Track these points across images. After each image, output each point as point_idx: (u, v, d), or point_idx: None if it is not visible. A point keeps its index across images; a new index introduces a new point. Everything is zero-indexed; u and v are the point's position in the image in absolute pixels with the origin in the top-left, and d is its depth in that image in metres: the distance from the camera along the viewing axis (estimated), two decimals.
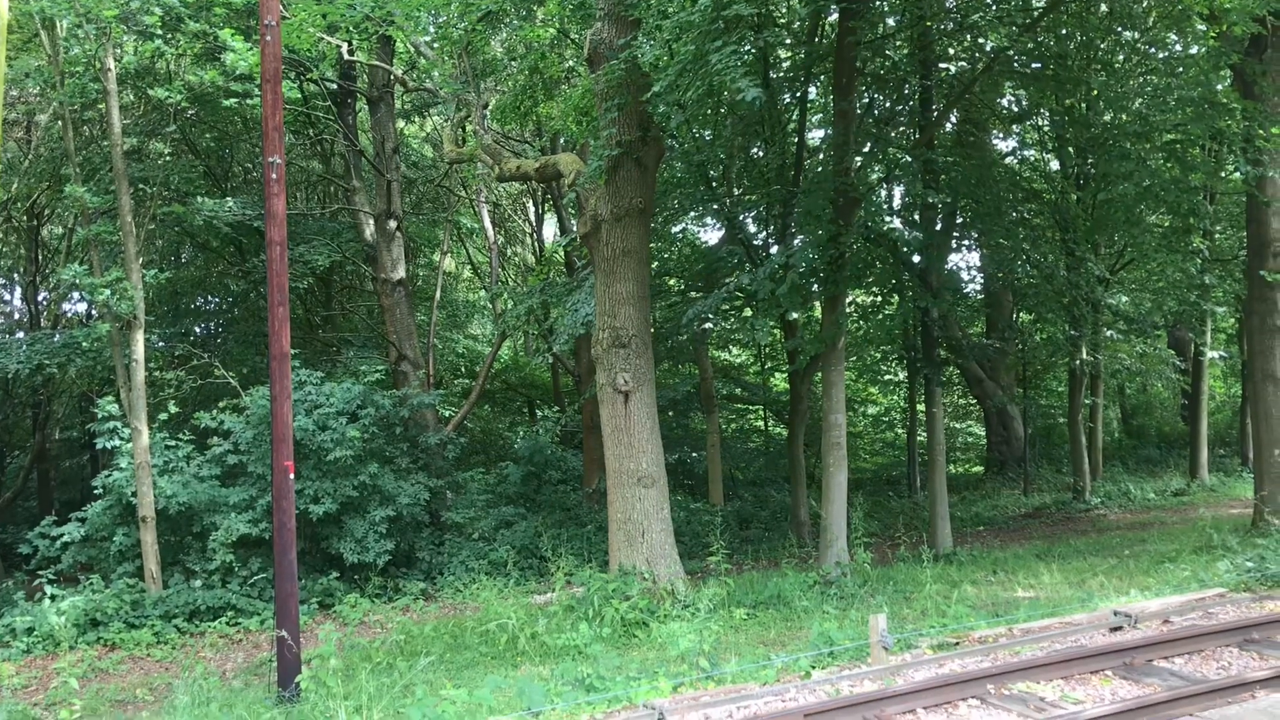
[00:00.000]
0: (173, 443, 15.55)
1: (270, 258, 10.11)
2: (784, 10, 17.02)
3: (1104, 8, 16.71)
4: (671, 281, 21.77)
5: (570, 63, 18.01)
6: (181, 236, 21.90)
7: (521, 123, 19.41)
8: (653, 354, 13.68)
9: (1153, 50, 17.67)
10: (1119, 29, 18.28)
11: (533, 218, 29.17)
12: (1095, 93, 18.15)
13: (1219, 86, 14.95)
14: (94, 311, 20.49)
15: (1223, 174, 18.63)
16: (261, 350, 20.97)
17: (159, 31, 14.79)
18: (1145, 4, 16.40)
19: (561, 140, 20.95)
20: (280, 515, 9.88)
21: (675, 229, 21.54)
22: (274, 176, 10.16)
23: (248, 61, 14.58)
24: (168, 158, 18.72)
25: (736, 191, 19.80)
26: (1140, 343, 25.49)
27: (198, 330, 24.01)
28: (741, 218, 19.52)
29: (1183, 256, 19.59)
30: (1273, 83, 14.86)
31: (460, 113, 18.33)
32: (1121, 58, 18.69)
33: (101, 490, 14.73)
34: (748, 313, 20.61)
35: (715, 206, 19.15)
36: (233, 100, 15.47)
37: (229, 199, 18.72)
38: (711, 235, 22.37)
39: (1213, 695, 6.78)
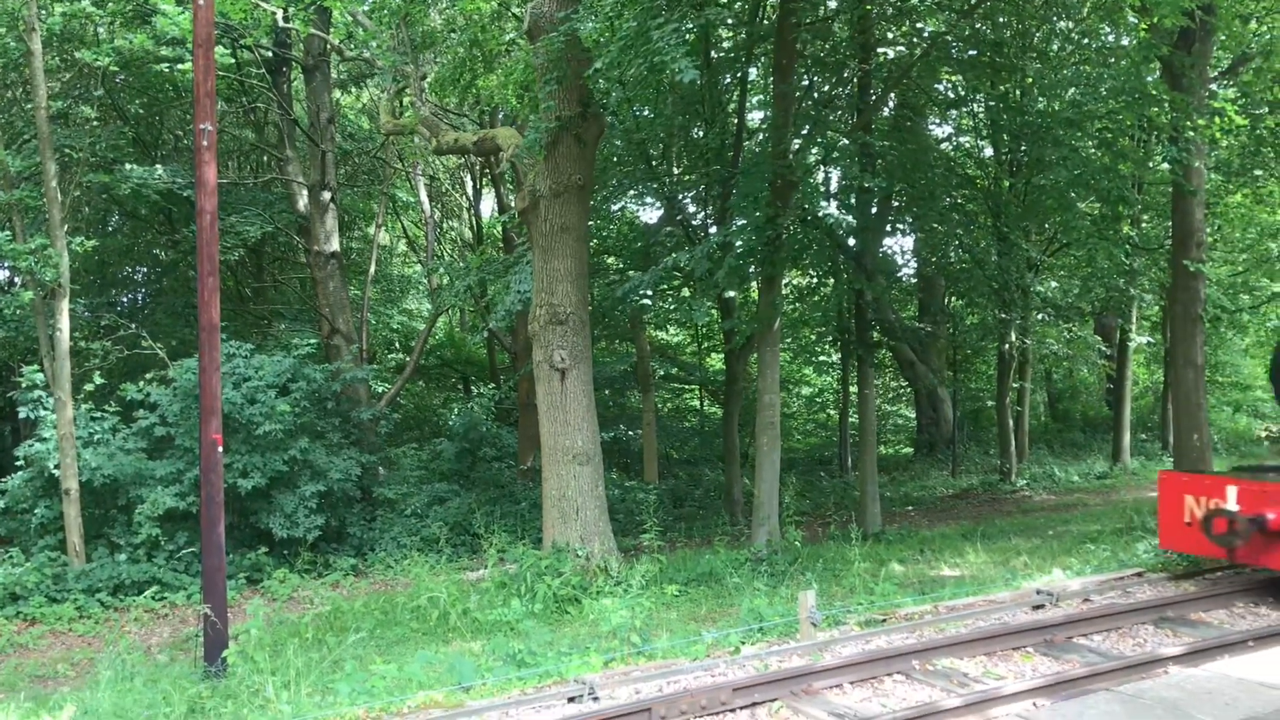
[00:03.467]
0: (98, 414, 15.22)
1: (200, 227, 9.92)
2: None
3: None
4: (610, 260, 21.73)
5: (511, 35, 17.85)
6: (109, 204, 21.37)
7: (461, 96, 19.20)
8: (590, 332, 13.66)
9: (1086, 40, 17.94)
10: (1054, 18, 18.57)
11: (470, 192, 28.90)
12: (1030, 80, 18.41)
13: (1149, 78, 15.23)
14: (17, 279, 19.95)
15: (1150, 164, 19.00)
16: (190, 322, 20.58)
17: None
18: None
19: (501, 115, 20.77)
20: (208, 489, 9.74)
21: (614, 207, 21.48)
22: (205, 144, 9.96)
23: (180, 26, 14.25)
24: (95, 123, 18.23)
25: (676, 171, 19.79)
26: (1068, 328, 26.00)
27: (125, 300, 23.50)
28: (681, 197, 19.54)
29: (1112, 243, 19.98)
30: (1200, 75, 15.17)
31: (398, 84, 18.09)
32: (1056, 46, 18.96)
33: (23, 462, 14.38)
34: (686, 292, 20.67)
35: (655, 185, 19.15)
36: (163, 65, 15.10)
37: (158, 166, 18.30)
38: (651, 214, 22.37)
39: (1128, 671, 6.98)
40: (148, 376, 16.44)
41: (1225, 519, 8.89)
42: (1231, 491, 9.00)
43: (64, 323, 14.29)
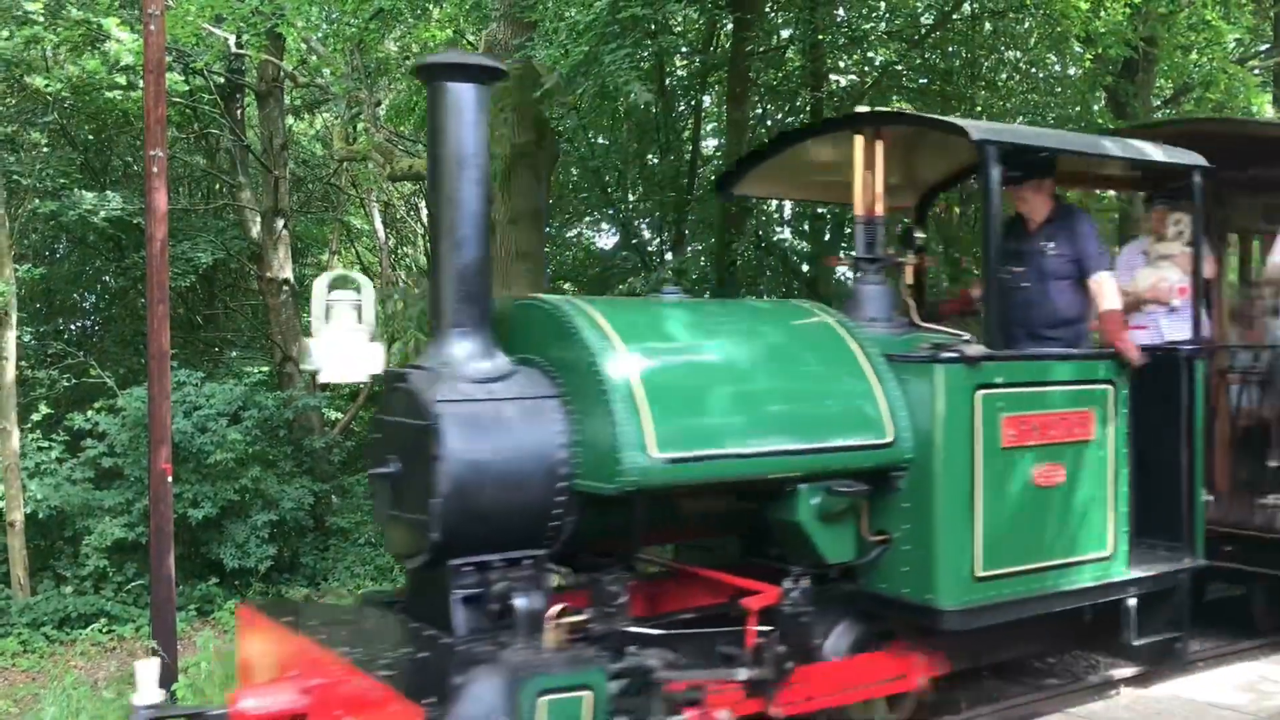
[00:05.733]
0: (45, 444, 14.93)
1: (150, 254, 9.80)
2: (680, 20, 17.15)
3: (988, 27, 17.21)
4: (567, 286, 21.72)
5: None
6: (57, 231, 21.07)
7: (418, 125, 19.17)
8: None
9: (1034, 70, 18.27)
10: (1002, 48, 18.89)
11: (425, 219, 28.78)
12: (979, 108, 18.69)
13: (1095, 106, 15.53)
14: None
15: (1098, 191, 19.32)
16: (140, 350, 20.26)
17: (40, 18, 14.23)
18: (1027, 25, 16.96)
19: None
20: (157, 519, 9.59)
21: (571, 234, 21.50)
22: (155, 170, 9.86)
23: (132, 52, 14.11)
24: (45, 149, 18.00)
25: (632, 198, 19.87)
26: None
27: (73, 328, 23.10)
28: (636, 223, 19.60)
29: None
30: (1143, 104, 15.52)
31: (352, 110, 18.03)
32: (1004, 76, 19.28)
33: None
34: None
35: (610, 212, 19.19)
36: (116, 92, 14.93)
37: (109, 193, 18.08)
38: (607, 240, 22.43)
39: (1082, 693, 7.03)
40: (96, 405, 16.14)
41: None
42: None
43: (10, 351, 14.04)
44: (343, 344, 5.85)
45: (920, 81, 17.34)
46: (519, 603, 5.10)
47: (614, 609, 5.31)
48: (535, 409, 5.51)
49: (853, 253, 6.81)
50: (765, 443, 5.55)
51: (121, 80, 14.68)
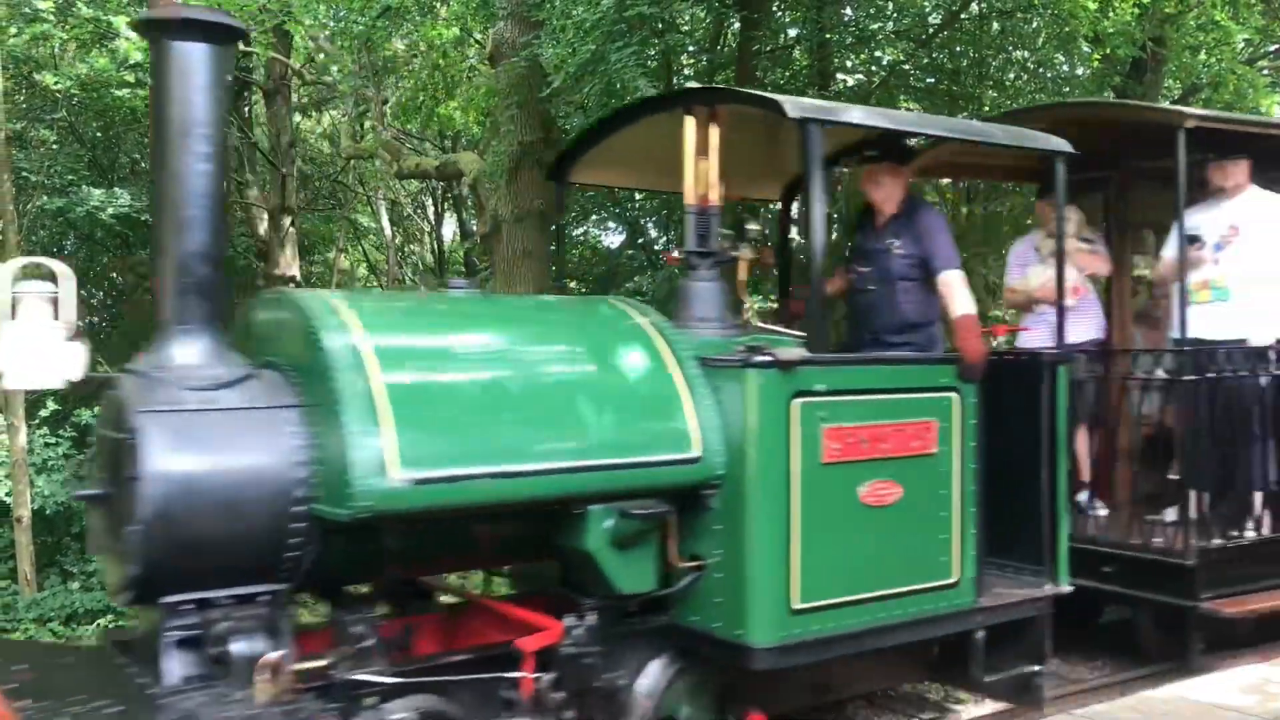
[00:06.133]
0: (52, 440, 14.98)
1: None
2: (687, 18, 17.15)
3: (996, 27, 17.19)
4: (572, 284, 21.73)
5: (473, 60, 17.89)
6: (65, 227, 21.13)
7: (425, 122, 19.20)
8: None
9: (1041, 70, 18.23)
10: (1010, 48, 18.85)
11: (432, 217, 28.86)
12: (987, 109, 18.65)
13: None
14: None
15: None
16: (147, 346, 20.33)
17: (50, 16, 14.27)
18: (1035, 25, 16.93)
19: (464, 141, 20.79)
20: None
21: (577, 232, 21.53)
22: None
23: (141, 49, 14.14)
24: (53, 145, 18.05)
25: (639, 196, 19.87)
26: None
27: (81, 325, 23.12)
28: (643, 222, 19.61)
29: None
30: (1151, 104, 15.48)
31: (359, 108, 18.07)
32: (1012, 76, 19.25)
33: None
34: None
35: (617, 210, 19.20)
36: (126, 90, 14.98)
37: (117, 189, 18.13)
38: (613, 238, 22.45)
39: (1085, 694, 7.02)
40: None
41: None
42: None
43: None
44: (33, 342, 4.95)
45: (928, 81, 17.32)
46: (236, 647, 4.28)
47: (360, 652, 4.57)
48: (268, 421, 4.62)
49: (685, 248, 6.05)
50: (542, 459, 4.74)
51: (130, 78, 14.70)
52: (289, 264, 19.75)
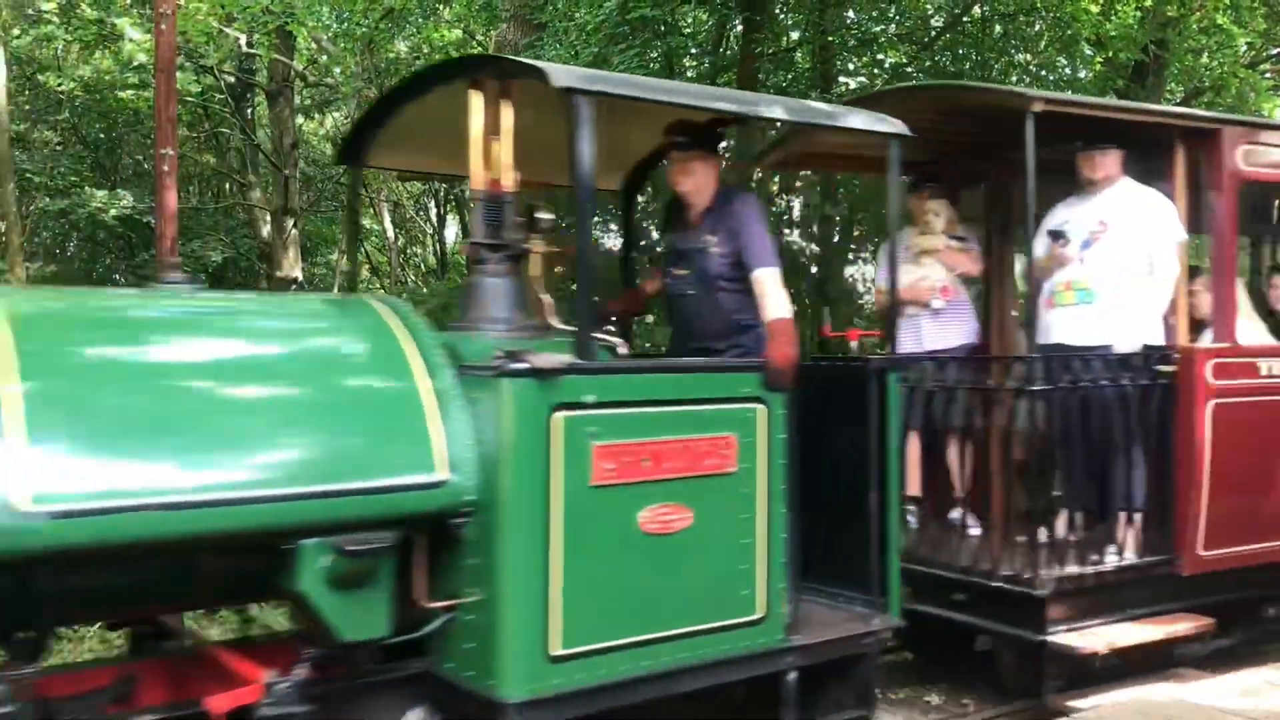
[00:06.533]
0: None
1: (160, 252, 9.83)
2: (689, 21, 17.19)
3: (998, 29, 17.21)
4: (574, 286, 21.72)
5: None
6: (67, 228, 21.19)
7: None
8: None
9: (1044, 73, 18.25)
10: (1013, 51, 18.86)
11: (434, 218, 28.89)
12: None
13: None
14: None
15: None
16: None
17: (54, 18, 14.33)
18: (1037, 28, 16.95)
19: None
20: None
21: None
22: (166, 169, 9.89)
23: (145, 51, 14.19)
24: (56, 147, 18.08)
25: (640, 199, 19.86)
26: None
27: None
28: (645, 225, 19.58)
29: None
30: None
31: (362, 109, 18.06)
32: (1015, 79, 19.25)
33: None
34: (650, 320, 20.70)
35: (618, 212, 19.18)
36: (130, 92, 15.02)
37: (120, 191, 18.18)
38: (614, 241, 22.43)
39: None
40: None
41: None
42: None
43: None
44: None
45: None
46: None
47: None
48: None
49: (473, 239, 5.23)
50: (231, 488, 3.88)
51: (134, 80, 14.74)
52: (292, 266, 19.77)
